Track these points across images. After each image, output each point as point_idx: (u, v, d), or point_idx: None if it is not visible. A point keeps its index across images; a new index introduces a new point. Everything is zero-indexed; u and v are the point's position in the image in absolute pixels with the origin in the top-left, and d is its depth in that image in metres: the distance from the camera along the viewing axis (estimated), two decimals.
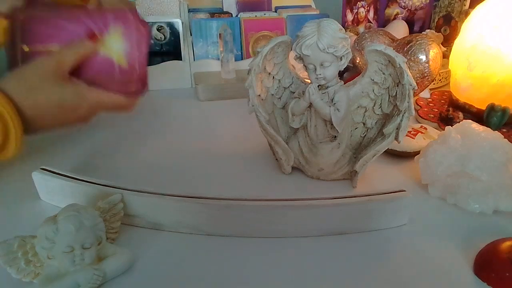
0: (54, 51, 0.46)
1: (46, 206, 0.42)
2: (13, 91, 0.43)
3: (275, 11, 0.91)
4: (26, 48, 0.48)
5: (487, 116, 0.57)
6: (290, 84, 0.48)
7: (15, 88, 0.43)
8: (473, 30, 0.60)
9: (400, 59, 0.39)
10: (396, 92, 0.42)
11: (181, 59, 0.80)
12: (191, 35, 0.80)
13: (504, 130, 0.57)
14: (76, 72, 0.48)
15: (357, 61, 0.68)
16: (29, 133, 0.46)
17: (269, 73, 0.46)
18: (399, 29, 0.81)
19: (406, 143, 0.51)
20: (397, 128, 0.41)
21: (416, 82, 0.41)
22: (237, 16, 0.86)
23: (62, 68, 0.46)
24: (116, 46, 0.49)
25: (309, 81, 0.44)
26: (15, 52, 0.48)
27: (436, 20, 0.92)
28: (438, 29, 0.90)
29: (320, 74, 0.41)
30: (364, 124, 0.46)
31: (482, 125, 0.45)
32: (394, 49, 0.40)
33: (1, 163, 0.50)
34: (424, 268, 0.35)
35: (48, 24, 0.49)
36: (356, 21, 0.98)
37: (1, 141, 0.41)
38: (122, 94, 0.51)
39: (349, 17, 1.00)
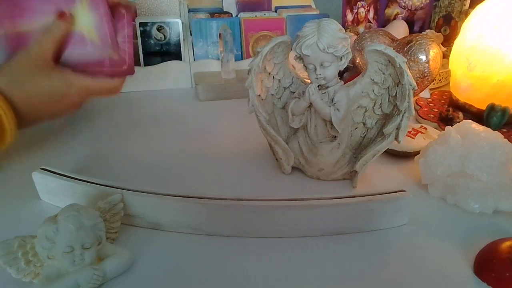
0: (33, 41, 0.46)
1: (46, 206, 0.42)
2: (2, 85, 0.43)
3: (275, 11, 0.91)
4: None
5: (487, 116, 0.57)
6: (290, 84, 0.48)
7: (4, 82, 0.44)
8: (473, 30, 0.60)
9: (400, 59, 0.39)
10: (396, 92, 0.42)
11: (181, 59, 0.80)
12: (191, 35, 0.80)
13: (504, 130, 0.57)
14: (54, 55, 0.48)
15: (357, 61, 0.68)
16: (24, 126, 0.46)
17: (269, 73, 0.46)
18: (399, 29, 0.81)
19: (406, 143, 0.51)
20: (397, 128, 0.41)
21: (416, 82, 0.41)
22: (237, 16, 0.86)
23: (46, 55, 0.46)
24: (85, 20, 0.49)
25: (309, 81, 0.44)
26: None
27: (436, 20, 0.92)
28: (438, 29, 0.90)
29: (320, 74, 0.41)
30: (364, 124, 0.46)
31: (482, 125, 0.45)
32: (394, 49, 0.40)
33: (0, 164, 0.50)
34: (424, 268, 0.35)
35: (16, 2, 0.48)
36: (356, 21, 0.98)
37: None
38: (107, 77, 0.51)
39: (349, 17, 1.00)
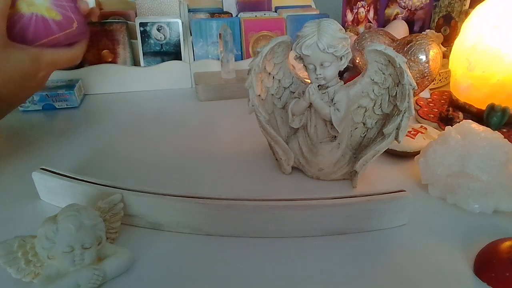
0: None
1: (46, 206, 0.42)
2: None
3: (275, 11, 0.91)
4: None
5: (487, 116, 0.57)
6: (290, 84, 0.48)
7: None
8: (473, 30, 0.60)
9: (400, 59, 0.39)
10: (396, 92, 0.42)
11: (181, 59, 0.80)
12: (191, 35, 0.80)
13: (504, 130, 0.57)
14: (19, 41, 0.46)
15: (357, 61, 0.68)
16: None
17: (269, 73, 0.46)
18: (399, 29, 0.81)
19: (406, 143, 0.51)
20: (397, 128, 0.41)
21: (416, 82, 0.41)
22: (237, 16, 0.86)
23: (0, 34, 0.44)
24: (39, 1, 0.47)
25: (309, 81, 0.44)
26: None
27: (436, 20, 0.92)
28: (438, 29, 0.90)
29: (320, 74, 0.41)
30: (364, 124, 0.46)
31: (482, 125, 0.45)
32: (394, 49, 0.40)
33: (0, 164, 0.50)
34: (424, 268, 0.35)
35: None
36: (356, 21, 0.98)
37: None
38: (68, 45, 0.50)
39: (349, 17, 1.00)
